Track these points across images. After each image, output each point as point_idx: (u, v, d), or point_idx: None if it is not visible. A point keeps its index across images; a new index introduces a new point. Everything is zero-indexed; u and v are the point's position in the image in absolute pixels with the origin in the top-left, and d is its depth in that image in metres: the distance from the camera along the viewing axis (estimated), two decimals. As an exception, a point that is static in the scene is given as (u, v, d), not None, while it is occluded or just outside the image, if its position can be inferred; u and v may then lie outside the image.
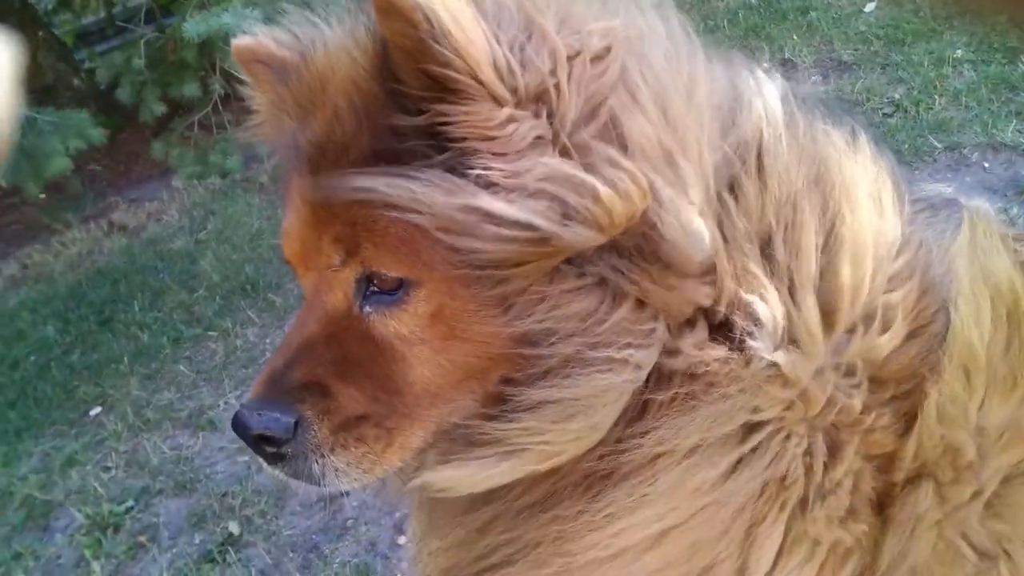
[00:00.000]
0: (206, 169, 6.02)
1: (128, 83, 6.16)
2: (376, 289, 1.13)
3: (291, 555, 3.10)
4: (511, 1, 1.06)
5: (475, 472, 1.10)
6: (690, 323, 1.09)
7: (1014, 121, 4.04)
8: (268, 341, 4.28)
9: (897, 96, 4.55)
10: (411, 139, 1.05)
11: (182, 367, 4.30)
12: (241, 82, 1.36)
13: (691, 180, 1.06)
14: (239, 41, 1.32)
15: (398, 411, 1.14)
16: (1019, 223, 3.42)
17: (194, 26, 5.04)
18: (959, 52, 4.70)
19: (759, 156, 1.11)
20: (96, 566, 3.23)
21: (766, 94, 1.19)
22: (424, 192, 1.02)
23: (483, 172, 1.02)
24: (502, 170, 1.01)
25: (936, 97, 4.40)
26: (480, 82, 1.00)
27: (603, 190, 1.00)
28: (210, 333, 4.52)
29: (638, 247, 1.04)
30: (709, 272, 1.07)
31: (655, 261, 1.05)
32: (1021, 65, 4.38)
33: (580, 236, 1.01)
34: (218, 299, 4.80)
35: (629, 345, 1.04)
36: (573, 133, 1.03)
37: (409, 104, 1.04)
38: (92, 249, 6.05)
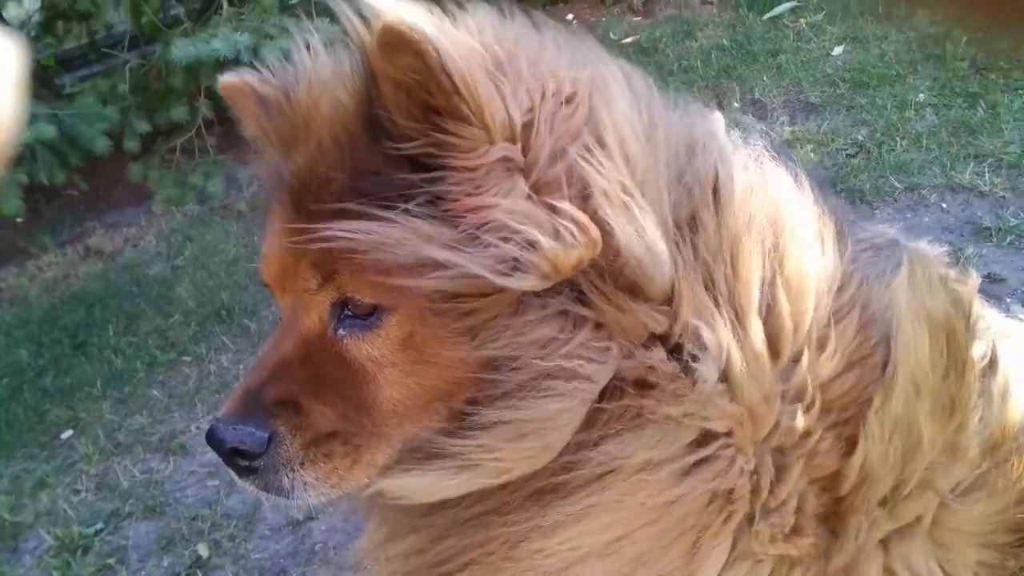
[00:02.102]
0: (183, 192, 6.06)
1: (115, 109, 6.19)
2: (350, 313, 1.19)
3: (259, 579, 3.12)
4: (489, 41, 1.14)
5: (430, 483, 1.17)
6: (644, 346, 1.15)
7: (972, 164, 4.16)
8: (242, 367, 4.31)
9: (861, 137, 4.68)
10: (390, 174, 1.12)
11: (155, 392, 4.32)
12: (228, 107, 1.44)
13: (650, 216, 1.14)
14: (225, 79, 1.40)
15: (366, 429, 1.20)
16: (974, 262, 3.53)
17: (182, 50, 5.09)
18: (921, 96, 4.84)
19: (715, 193, 1.19)
20: (64, 588, 3.24)
21: (719, 137, 1.27)
22: (385, 238, 1.09)
23: (454, 203, 1.10)
24: (472, 205, 1.09)
25: (898, 139, 4.53)
26: (478, 117, 1.07)
27: (548, 245, 1.07)
28: (184, 358, 4.54)
29: (600, 274, 1.12)
30: (665, 299, 1.15)
31: (617, 286, 1.12)
32: (980, 110, 4.52)
33: (525, 284, 1.08)
34: (193, 325, 4.81)
35: (583, 358, 1.11)
36: (543, 170, 1.11)
37: (393, 139, 1.11)
38: (68, 273, 6.04)
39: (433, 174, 1.10)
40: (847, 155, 4.57)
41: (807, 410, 1.19)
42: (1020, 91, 4.50)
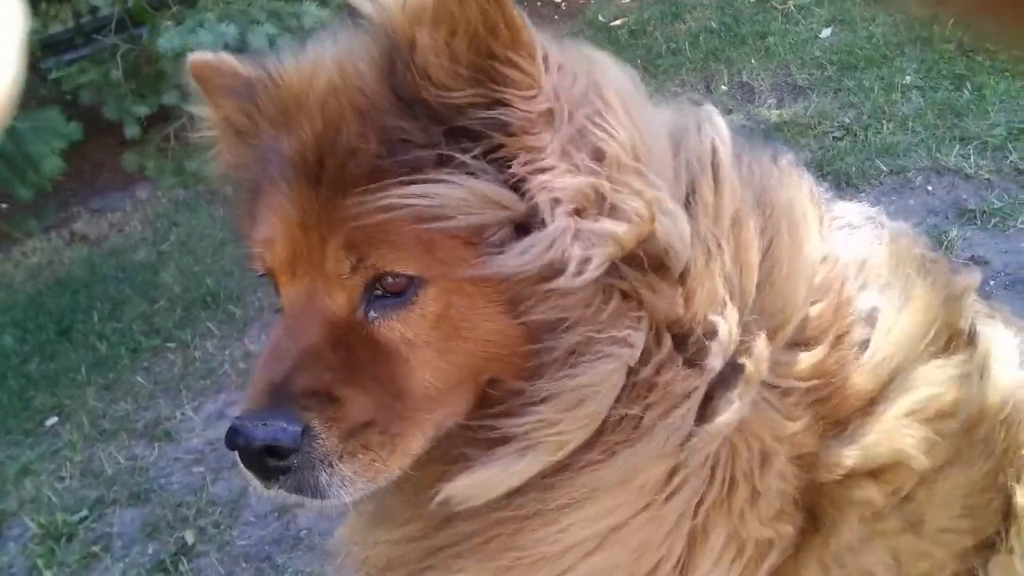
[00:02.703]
0: (183, 178, 6.02)
1: (112, 97, 6.15)
2: (381, 292, 1.15)
3: (244, 565, 3.12)
4: None
5: (496, 474, 1.12)
6: (658, 332, 1.15)
7: (957, 146, 4.16)
8: (227, 353, 4.30)
9: (847, 120, 4.67)
10: (421, 140, 1.11)
11: (140, 378, 4.31)
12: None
13: (667, 192, 1.15)
14: (197, 57, 1.34)
15: (401, 415, 1.15)
16: (959, 245, 3.53)
17: (168, 40, 5.06)
18: (908, 78, 4.83)
19: (714, 169, 1.20)
20: (48, 575, 3.23)
21: (716, 122, 1.28)
22: (447, 200, 1.08)
23: (511, 139, 1.10)
24: (528, 144, 1.10)
25: (884, 122, 4.52)
26: (537, 62, 1.09)
27: (623, 233, 1.09)
28: (169, 344, 4.53)
29: (630, 256, 1.12)
30: (683, 277, 1.15)
31: (646, 267, 1.12)
32: (967, 92, 4.51)
33: (594, 271, 1.09)
34: (178, 310, 4.80)
35: (626, 326, 1.11)
36: (564, 129, 1.12)
37: (441, 89, 1.10)
38: (53, 259, 6.02)
39: (492, 112, 1.09)
40: (834, 138, 4.56)
41: (790, 391, 1.19)
42: (1006, 73, 4.49)
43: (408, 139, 1.11)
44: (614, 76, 1.20)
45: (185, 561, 3.16)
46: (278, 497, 1.15)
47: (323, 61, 1.22)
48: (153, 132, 6.30)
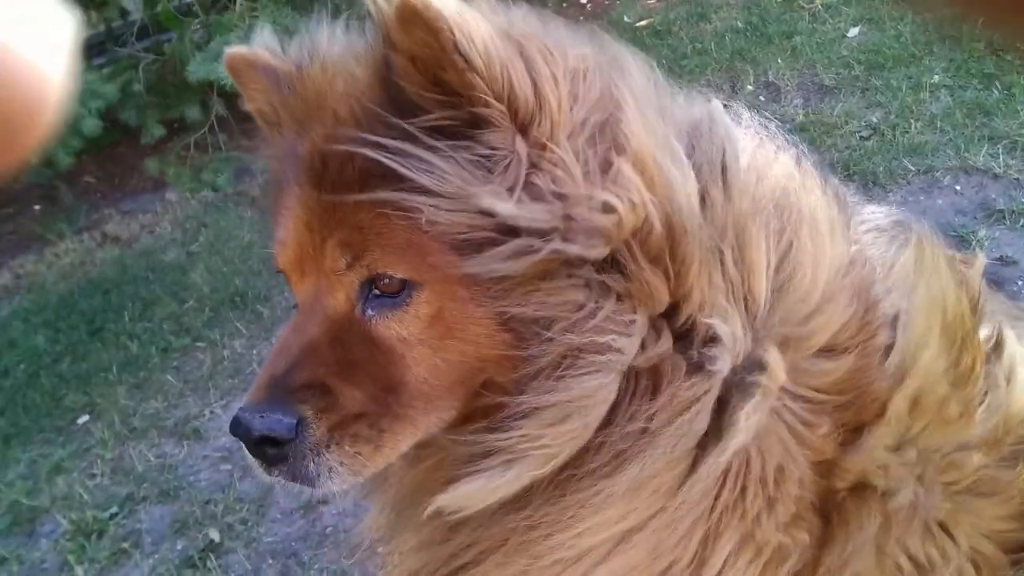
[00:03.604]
0: (199, 186, 6.12)
1: (132, 107, 6.23)
2: (378, 292, 1.18)
3: (270, 562, 3.15)
4: (504, 22, 1.15)
5: (484, 485, 1.14)
6: (656, 326, 1.15)
7: (986, 145, 4.12)
8: (255, 352, 4.33)
9: (875, 120, 4.64)
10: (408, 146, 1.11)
11: (170, 377, 4.35)
12: (241, 103, 1.41)
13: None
14: (234, 51, 1.36)
15: (392, 411, 1.18)
16: (987, 245, 3.50)
17: (197, 67, 5.15)
18: (936, 78, 4.79)
19: (723, 171, 1.19)
20: (79, 571, 3.28)
21: (723, 119, 1.27)
22: (432, 184, 1.09)
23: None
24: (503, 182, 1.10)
25: (912, 121, 4.49)
26: (496, 96, 1.08)
27: (617, 203, 1.09)
28: (198, 344, 4.57)
29: (632, 242, 1.11)
30: (681, 274, 1.14)
31: (647, 255, 1.12)
32: (996, 91, 4.47)
33: (589, 249, 1.09)
34: (207, 310, 4.84)
35: (613, 331, 1.11)
36: (569, 140, 1.11)
37: (412, 113, 1.11)
38: (84, 260, 6.07)
39: (466, 135, 1.10)
40: (861, 138, 4.53)
41: (812, 398, 1.18)
42: (1036, 72, 4.45)
43: (398, 146, 1.12)
44: (632, 77, 1.19)
45: (213, 558, 3.19)
46: (277, 483, 1.22)
47: (347, 62, 1.23)
48: (176, 140, 6.37)
